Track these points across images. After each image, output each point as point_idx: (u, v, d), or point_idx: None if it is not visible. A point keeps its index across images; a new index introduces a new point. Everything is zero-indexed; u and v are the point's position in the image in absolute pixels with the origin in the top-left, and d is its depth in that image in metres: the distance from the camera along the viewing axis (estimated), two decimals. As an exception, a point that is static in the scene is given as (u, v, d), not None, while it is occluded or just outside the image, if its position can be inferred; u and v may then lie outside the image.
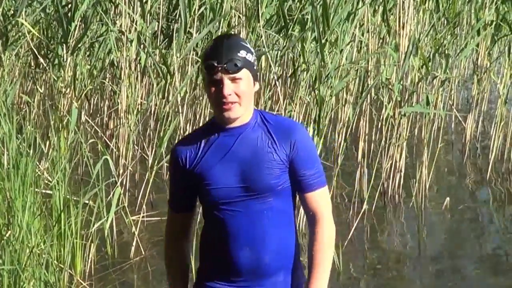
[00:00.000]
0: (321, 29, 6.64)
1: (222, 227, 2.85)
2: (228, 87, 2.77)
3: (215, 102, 2.81)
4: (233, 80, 2.78)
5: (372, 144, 8.17)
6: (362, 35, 8.18)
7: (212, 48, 2.81)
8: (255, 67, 2.85)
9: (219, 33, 7.40)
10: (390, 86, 7.51)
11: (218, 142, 2.87)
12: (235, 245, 2.83)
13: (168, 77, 7.14)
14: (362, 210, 6.98)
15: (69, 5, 7.39)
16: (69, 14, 7.27)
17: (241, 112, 2.83)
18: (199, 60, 7.62)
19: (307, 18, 7.32)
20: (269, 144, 2.84)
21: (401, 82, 7.32)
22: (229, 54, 2.77)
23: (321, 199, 2.88)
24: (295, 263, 2.92)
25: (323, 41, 6.68)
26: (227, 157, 2.84)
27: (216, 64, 2.77)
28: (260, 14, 7.14)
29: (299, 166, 2.85)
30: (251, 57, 2.82)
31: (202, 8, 7.53)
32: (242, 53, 2.79)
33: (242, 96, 2.80)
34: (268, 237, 2.83)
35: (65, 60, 7.38)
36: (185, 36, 7.44)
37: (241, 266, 2.84)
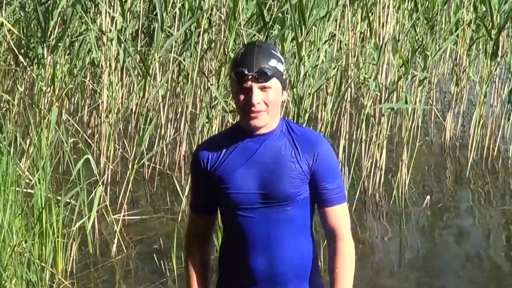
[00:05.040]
0: (298, 28, 6.65)
1: (239, 233, 2.85)
2: (257, 96, 2.77)
3: (243, 109, 2.81)
4: (263, 88, 2.78)
5: (353, 143, 8.20)
6: (342, 34, 8.21)
7: (242, 56, 2.80)
8: (284, 77, 2.84)
9: (200, 32, 7.40)
10: (368, 85, 7.55)
11: (242, 147, 2.86)
12: (251, 252, 2.83)
13: (147, 76, 7.14)
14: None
15: (48, 3, 7.35)
16: (48, 13, 7.24)
17: (268, 121, 2.83)
18: (178, 58, 7.61)
19: (287, 17, 7.34)
20: (292, 154, 2.83)
21: (378, 79, 7.35)
22: (260, 63, 2.76)
23: (341, 215, 2.88)
24: (313, 274, 2.92)
25: (300, 39, 6.70)
26: (249, 162, 2.84)
27: (246, 72, 2.76)
28: (239, 12, 7.14)
29: (321, 179, 2.84)
30: (281, 67, 2.82)
31: (179, 6, 7.51)
32: (273, 62, 2.79)
33: (270, 105, 2.80)
34: (284, 246, 2.83)
35: (45, 58, 7.36)
36: (163, 35, 7.43)
37: (257, 273, 2.84)
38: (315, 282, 2.93)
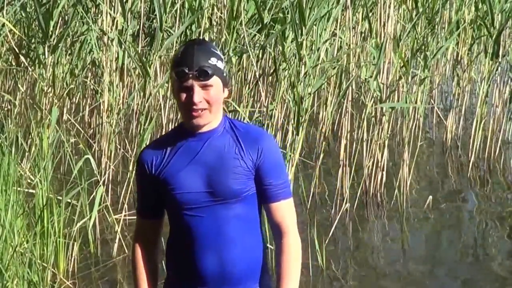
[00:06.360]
0: (297, 28, 6.65)
1: (188, 233, 2.83)
2: (199, 94, 2.76)
3: (185, 108, 2.80)
4: (204, 87, 2.77)
5: (354, 143, 8.20)
6: (343, 33, 8.22)
7: (182, 54, 2.80)
8: (224, 74, 2.84)
9: (200, 31, 7.41)
10: (369, 84, 7.55)
11: (185, 146, 2.86)
12: (200, 251, 2.82)
13: (147, 76, 7.14)
14: (344, 208, 7.00)
15: (49, 3, 7.36)
16: (48, 13, 7.23)
17: (210, 119, 2.82)
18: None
19: (287, 17, 7.34)
20: (236, 151, 2.83)
21: (379, 79, 7.35)
22: (200, 61, 2.76)
23: (286, 210, 2.87)
24: (262, 271, 2.91)
25: (300, 40, 6.69)
26: (193, 161, 2.83)
27: (187, 71, 2.76)
28: (239, 12, 7.14)
29: (265, 175, 2.84)
30: (221, 64, 2.82)
31: (178, 6, 7.51)
32: (213, 60, 2.78)
33: (212, 103, 2.79)
34: (233, 244, 2.82)
35: (46, 58, 7.36)
36: (165, 35, 7.43)
37: (207, 273, 2.82)
38: (264, 281, 2.93)
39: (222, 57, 2.86)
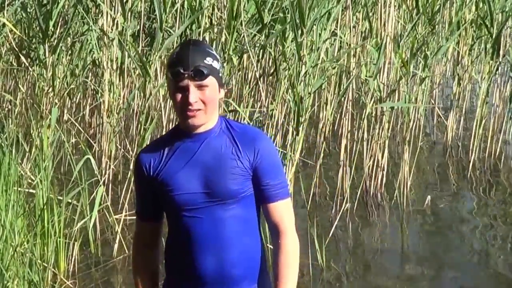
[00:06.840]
0: (297, 28, 6.65)
1: (186, 234, 2.83)
2: (194, 94, 2.76)
3: (180, 109, 2.80)
4: (199, 87, 2.77)
5: (354, 143, 8.20)
6: (343, 33, 8.22)
7: (178, 55, 2.80)
8: (220, 74, 2.84)
9: (200, 31, 7.41)
10: (369, 86, 7.55)
11: (182, 148, 2.86)
12: (199, 252, 2.82)
13: (147, 76, 7.14)
14: (344, 208, 7.01)
15: (49, 4, 7.36)
16: (48, 14, 7.24)
17: (206, 120, 2.82)
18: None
19: (287, 17, 7.34)
20: (233, 151, 2.83)
21: (379, 78, 7.35)
22: (196, 61, 2.76)
23: (284, 210, 2.87)
24: (261, 272, 2.91)
25: (299, 39, 6.70)
26: (191, 162, 2.83)
27: (182, 71, 2.76)
28: (238, 12, 7.14)
29: (263, 175, 2.84)
30: (217, 64, 2.81)
31: (178, 6, 7.51)
32: (209, 60, 2.78)
33: (207, 104, 2.79)
34: (231, 245, 2.82)
35: (46, 58, 7.36)
36: (165, 35, 7.43)
37: (205, 274, 2.83)
38: (264, 281, 2.93)
39: (218, 57, 2.85)
